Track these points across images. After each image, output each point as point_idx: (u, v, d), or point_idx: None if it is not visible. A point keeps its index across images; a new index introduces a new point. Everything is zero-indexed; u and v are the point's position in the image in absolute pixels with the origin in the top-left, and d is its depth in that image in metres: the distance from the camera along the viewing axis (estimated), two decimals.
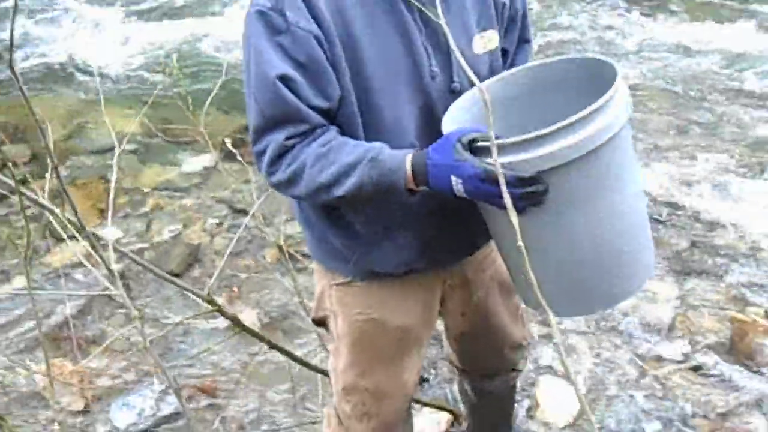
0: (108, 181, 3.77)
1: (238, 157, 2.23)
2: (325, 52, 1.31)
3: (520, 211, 1.18)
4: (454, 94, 1.39)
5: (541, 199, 1.23)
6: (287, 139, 1.33)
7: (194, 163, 4.02)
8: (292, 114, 1.32)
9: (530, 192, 1.21)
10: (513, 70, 1.46)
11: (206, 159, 3.97)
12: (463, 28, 1.39)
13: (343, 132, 1.35)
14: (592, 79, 1.36)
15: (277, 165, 1.35)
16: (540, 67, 1.47)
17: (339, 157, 1.31)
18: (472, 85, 1.34)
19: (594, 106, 1.24)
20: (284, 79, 1.30)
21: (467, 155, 1.22)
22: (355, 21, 1.31)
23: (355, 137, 1.35)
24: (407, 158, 1.28)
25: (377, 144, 1.31)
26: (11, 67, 1.20)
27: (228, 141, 2.29)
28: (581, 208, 1.31)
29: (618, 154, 1.33)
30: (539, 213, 1.27)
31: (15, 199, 2.53)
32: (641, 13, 5.80)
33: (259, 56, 1.31)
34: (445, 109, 1.36)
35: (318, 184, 1.33)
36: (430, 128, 1.35)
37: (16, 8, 1.33)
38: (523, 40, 1.60)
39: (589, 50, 5.13)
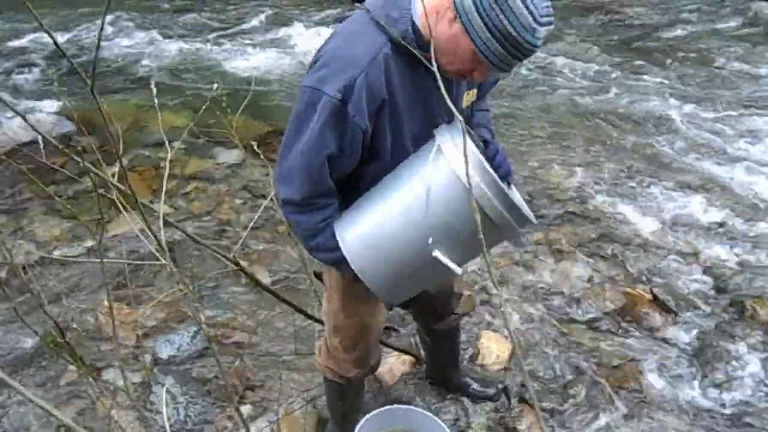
0: (159, 168, 3.82)
1: (261, 156, 2.23)
2: (365, 139, 1.41)
3: None
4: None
5: None
6: (304, 198, 1.45)
7: (226, 157, 4.02)
8: (320, 185, 1.45)
9: None
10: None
11: (235, 155, 3.98)
12: (459, 90, 1.54)
13: (376, 145, 1.46)
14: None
15: (288, 208, 1.49)
16: None
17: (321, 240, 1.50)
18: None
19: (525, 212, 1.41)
20: (331, 157, 1.40)
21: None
22: (397, 93, 1.40)
23: (384, 147, 1.46)
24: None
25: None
26: (92, 90, 1.12)
27: (254, 143, 2.24)
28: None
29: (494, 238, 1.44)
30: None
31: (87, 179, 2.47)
32: None
33: (320, 135, 1.37)
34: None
35: (301, 239, 1.56)
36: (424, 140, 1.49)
37: (99, 43, 1.24)
38: (486, 99, 1.79)
39: None
